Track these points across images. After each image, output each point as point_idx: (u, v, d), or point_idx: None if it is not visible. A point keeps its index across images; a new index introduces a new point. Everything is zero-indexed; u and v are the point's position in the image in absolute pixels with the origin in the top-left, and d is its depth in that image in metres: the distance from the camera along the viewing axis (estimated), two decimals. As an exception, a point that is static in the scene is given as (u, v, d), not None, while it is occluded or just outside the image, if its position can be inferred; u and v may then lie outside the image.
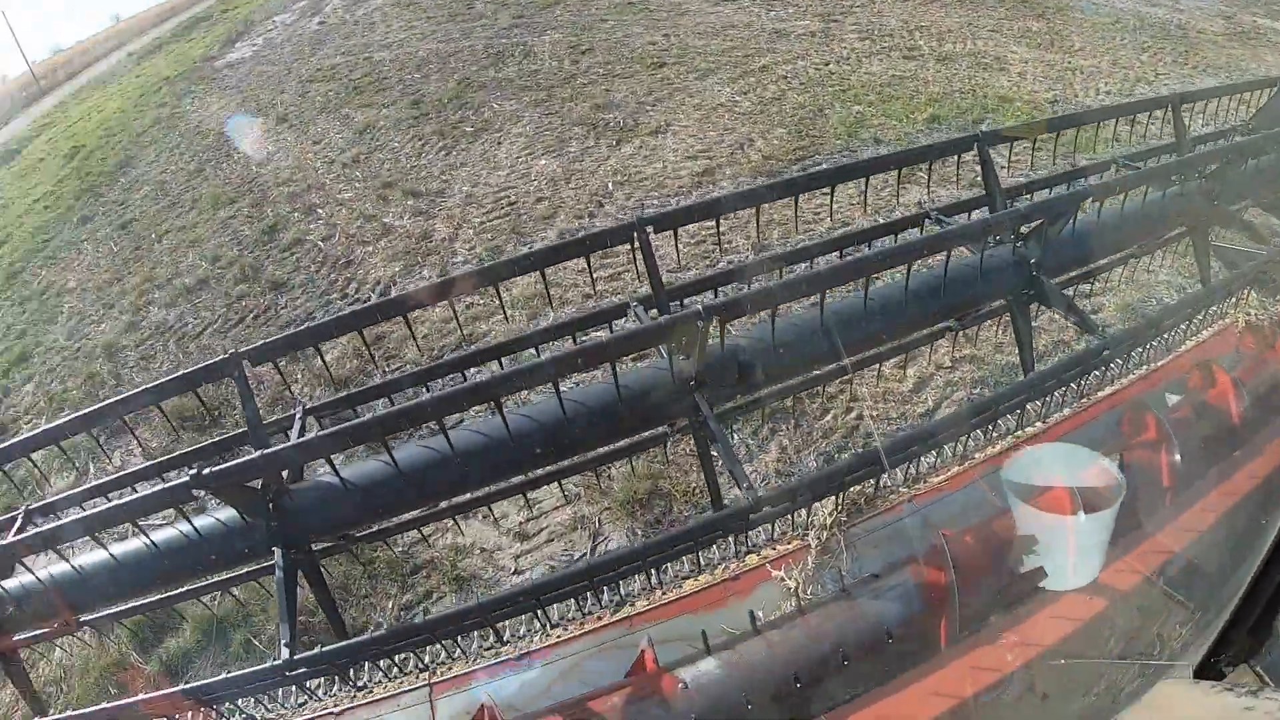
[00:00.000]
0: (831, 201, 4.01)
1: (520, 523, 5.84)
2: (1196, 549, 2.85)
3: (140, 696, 2.53)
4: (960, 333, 4.08)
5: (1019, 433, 3.55)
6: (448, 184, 10.98)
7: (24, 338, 10.07)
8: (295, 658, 2.50)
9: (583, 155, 11.10)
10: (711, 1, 16.98)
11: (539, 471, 3.35)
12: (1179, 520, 2.90)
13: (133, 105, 18.34)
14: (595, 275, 4.12)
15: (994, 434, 3.58)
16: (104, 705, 2.60)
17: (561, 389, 2.71)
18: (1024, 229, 3.47)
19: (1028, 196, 4.33)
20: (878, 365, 4.41)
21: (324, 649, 2.50)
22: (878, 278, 3.28)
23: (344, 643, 2.54)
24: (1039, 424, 3.59)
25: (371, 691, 3.03)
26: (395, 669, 3.03)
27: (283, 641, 2.58)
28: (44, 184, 15.26)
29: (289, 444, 2.51)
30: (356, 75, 15.80)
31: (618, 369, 2.72)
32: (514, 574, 5.56)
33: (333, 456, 2.64)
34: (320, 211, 10.96)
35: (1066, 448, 2.77)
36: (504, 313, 6.54)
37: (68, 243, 12.33)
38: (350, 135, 13.12)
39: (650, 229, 3.28)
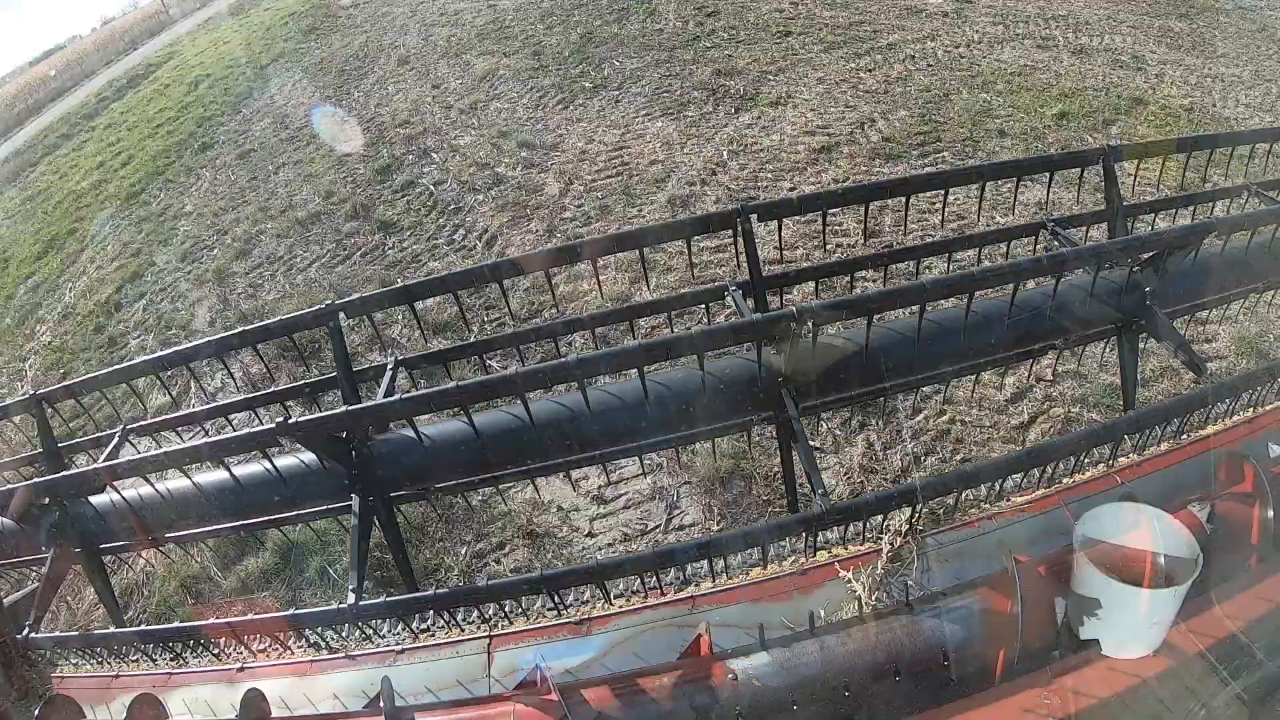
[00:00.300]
0: (945, 203, 3.84)
1: (599, 486, 5.84)
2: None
3: (215, 620, 2.62)
4: (1068, 351, 3.93)
5: (1111, 462, 3.37)
6: (562, 138, 10.98)
7: (139, 256, 10.51)
8: (360, 604, 2.55)
9: (700, 121, 10.95)
10: (849, -33, 16.55)
11: (621, 446, 3.34)
12: (1259, 589, 2.72)
13: (258, 39, 18.83)
14: (702, 245, 4.04)
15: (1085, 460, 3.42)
16: (184, 624, 2.70)
17: (648, 370, 2.67)
18: (1142, 255, 3.29)
19: (1151, 216, 4.11)
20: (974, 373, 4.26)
21: (388, 599, 2.55)
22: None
23: (407, 596, 2.58)
24: (1133, 456, 3.40)
25: (433, 635, 3.06)
26: (456, 620, 3.06)
27: (350, 587, 2.64)
28: (168, 110, 15.83)
29: (372, 403, 2.55)
30: (480, 22, 15.88)
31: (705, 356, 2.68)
32: (587, 535, 5.58)
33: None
34: (434, 156, 11.09)
35: (1150, 511, 2.60)
36: (599, 288, 6.48)
37: (187, 168, 12.78)
38: (469, 82, 13.23)
39: (754, 217, 3.19)
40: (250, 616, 2.72)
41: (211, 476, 3.03)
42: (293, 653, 3.05)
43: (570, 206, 9.37)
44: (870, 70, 12.00)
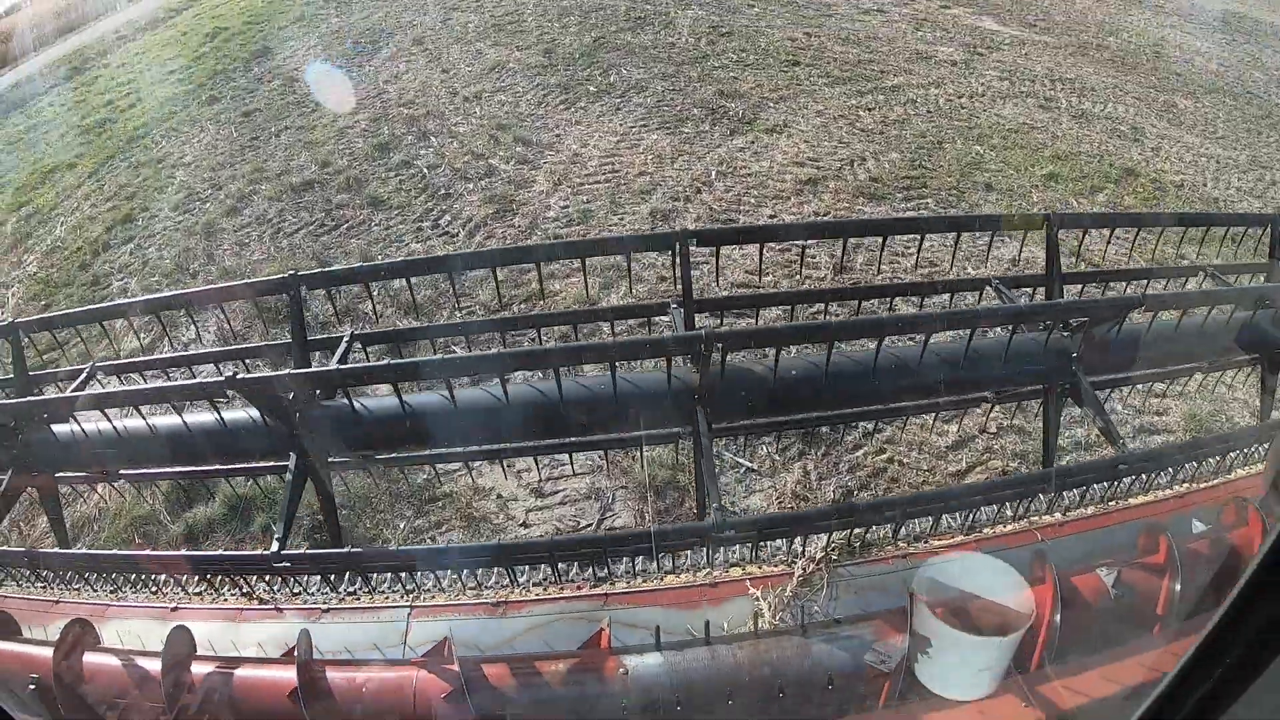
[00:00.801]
0: (882, 252, 4.10)
1: (538, 480, 6.08)
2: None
3: (149, 552, 2.85)
4: (1015, 404, 4.12)
5: (1033, 519, 3.56)
6: (559, 138, 11.21)
7: (132, 200, 10.69)
8: (282, 552, 2.80)
9: (695, 138, 11.20)
10: (860, 9, 16.84)
11: (548, 441, 3.58)
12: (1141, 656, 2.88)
13: (280, -1, 18.93)
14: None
15: (1006, 513, 3.62)
16: (119, 551, 2.93)
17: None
18: (1073, 321, 3.51)
19: (1102, 286, 4.35)
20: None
21: (309, 550, 2.79)
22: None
23: (328, 550, 2.82)
24: (1057, 515, 3.59)
25: (359, 599, 3.28)
26: (382, 587, 3.29)
27: (276, 535, 2.89)
28: (182, 57, 15.93)
29: (313, 370, 2.78)
30: (498, 13, 16.08)
31: (644, 365, 2.90)
32: (521, 525, 5.83)
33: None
34: (433, 140, 11.29)
35: (998, 564, 2.80)
36: (541, 291, 6.65)
37: (191, 119, 12.93)
38: (478, 70, 13.43)
39: (693, 241, 3.44)
40: (183, 553, 2.96)
41: (165, 421, 3.26)
42: (225, 599, 3.28)
43: (555, 207, 9.60)
44: (870, 109, 12.27)
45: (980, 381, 3.57)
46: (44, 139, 13.76)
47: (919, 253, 4.15)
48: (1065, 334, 3.50)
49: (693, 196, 9.73)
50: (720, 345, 2.82)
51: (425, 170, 10.53)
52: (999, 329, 3.49)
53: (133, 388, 2.92)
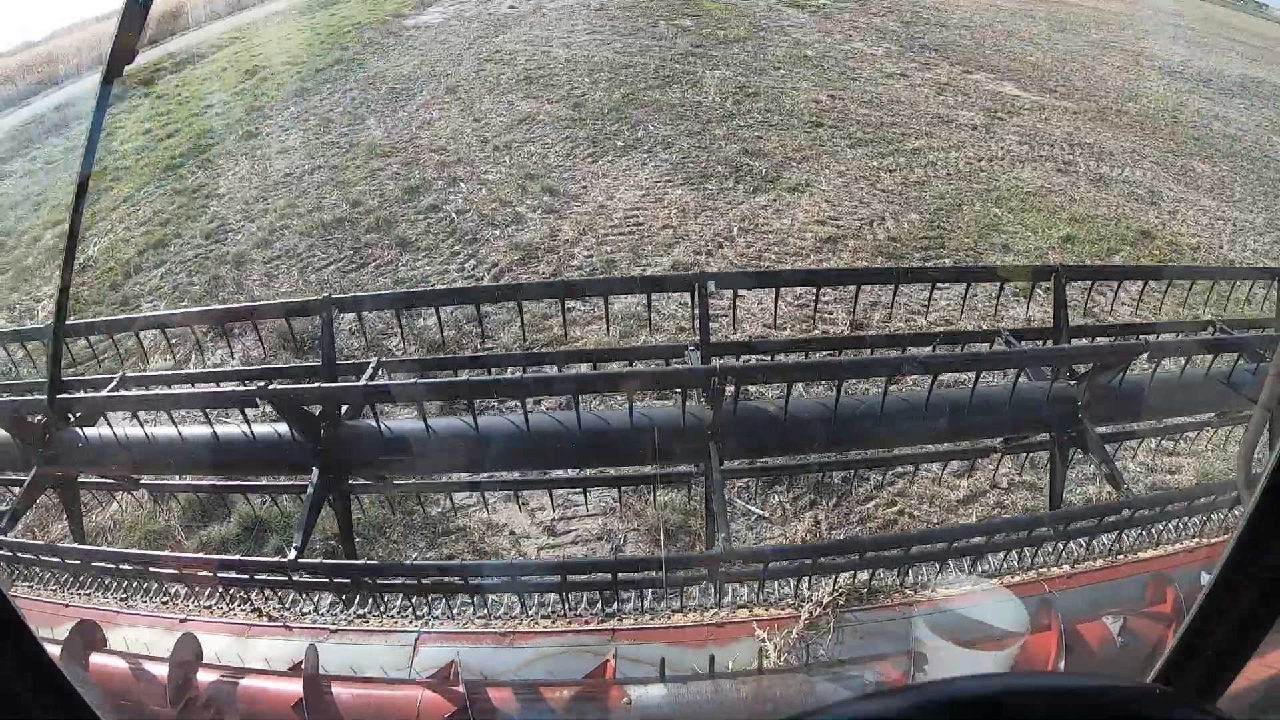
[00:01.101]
0: (895, 296, 4.18)
1: (553, 519, 6.13)
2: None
3: (168, 553, 2.92)
4: (1025, 457, 4.14)
5: (1041, 570, 3.57)
6: (585, 190, 11.41)
7: (166, 226, 10.91)
8: (299, 560, 2.87)
9: (719, 194, 11.37)
10: (884, 73, 17.11)
11: (567, 473, 3.66)
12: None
13: (319, 41, 19.36)
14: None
15: (1014, 561, 3.63)
16: (142, 551, 3.00)
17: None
18: (1079, 369, 3.58)
19: (1111, 339, 4.40)
20: (914, 466, 4.52)
21: (325, 561, 2.86)
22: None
23: (345, 562, 2.89)
24: (1066, 567, 3.61)
25: (367, 621, 3.33)
26: (391, 611, 3.34)
27: (294, 545, 2.96)
28: (220, 93, 16.31)
29: (343, 385, 2.88)
30: (530, 66, 16.44)
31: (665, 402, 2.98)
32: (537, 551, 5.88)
33: (390, 409, 3.01)
34: (463, 185, 11.51)
35: (1000, 589, 2.83)
36: (564, 327, 6.72)
37: (228, 152, 13.22)
38: (509, 121, 13.71)
39: (711, 284, 3.54)
40: (198, 555, 3.02)
41: (192, 429, 3.36)
42: (235, 614, 3.35)
43: (579, 256, 9.74)
44: (891, 171, 12.44)
45: (988, 427, 3.62)
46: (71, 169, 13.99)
47: (928, 309, 4.24)
48: (1071, 382, 3.57)
49: (715, 251, 9.84)
50: (733, 379, 2.91)
51: (454, 215, 10.72)
52: (1006, 378, 3.54)
53: (166, 392, 3.01)
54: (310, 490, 3.16)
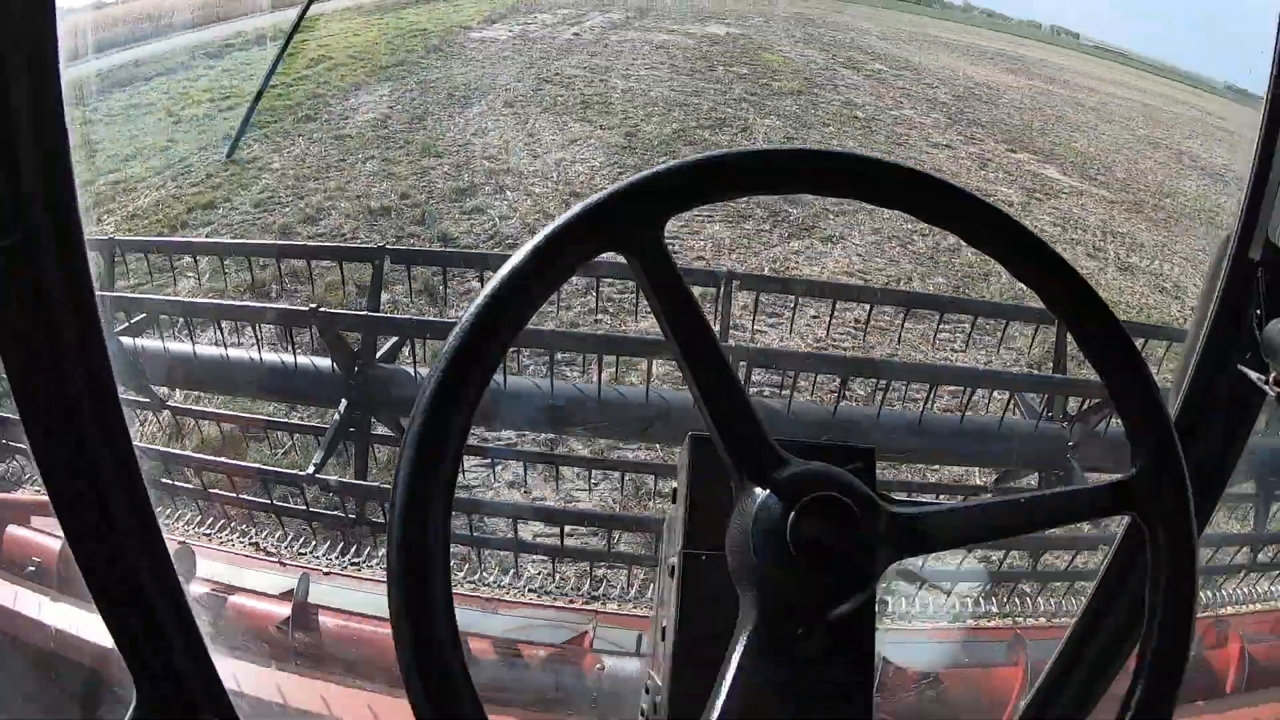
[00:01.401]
0: (905, 318, 4.36)
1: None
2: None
3: (186, 451, 3.12)
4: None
5: (1017, 619, 3.67)
6: (625, 215, 11.63)
7: (218, 190, 11.24)
8: (318, 474, 3.08)
9: (754, 235, 11.59)
10: (930, 143, 17.33)
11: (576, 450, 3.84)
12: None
13: (385, 41, 19.69)
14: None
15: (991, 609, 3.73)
16: (173, 449, 3.21)
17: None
18: (1072, 413, 3.74)
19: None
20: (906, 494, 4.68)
21: (343, 479, 3.06)
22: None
23: (360, 481, 3.09)
24: (1042, 619, 3.71)
25: (360, 571, 3.51)
26: (384, 561, 3.52)
27: (314, 461, 3.17)
28: (284, 76, 16.64)
29: (383, 315, 3.11)
30: (588, 92, 16.78)
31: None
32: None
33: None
34: (509, 194, 11.80)
35: None
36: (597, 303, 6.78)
37: (285, 131, 13.56)
38: (561, 140, 14.01)
39: (736, 282, 3.75)
40: (223, 459, 3.22)
41: (237, 352, 3.58)
42: (234, 545, 3.53)
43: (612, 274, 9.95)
44: (924, 235, 12.55)
45: (978, 455, 3.78)
46: (141, 118, 14.27)
47: (935, 336, 4.40)
48: (1063, 424, 3.74)
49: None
50: (746, 363, 3.11)
51: (497, 219, 11.00)
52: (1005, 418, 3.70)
53: (223, 302, 3.23)
54: (336, 418, 3.37)
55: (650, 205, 1.03)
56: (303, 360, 3.49)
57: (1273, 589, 3.84)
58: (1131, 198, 16.57)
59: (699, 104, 16.93)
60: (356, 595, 3.28)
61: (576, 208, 0.99)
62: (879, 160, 1.12)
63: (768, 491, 0.89)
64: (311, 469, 3.12)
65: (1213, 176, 19.49)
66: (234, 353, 3.54)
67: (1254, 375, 1.45)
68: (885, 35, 22.91)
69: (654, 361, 3.45)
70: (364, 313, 3.13)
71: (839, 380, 3.48)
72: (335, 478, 3.08)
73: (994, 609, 3.78)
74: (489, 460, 4.74)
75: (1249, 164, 1.54)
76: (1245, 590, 3.68)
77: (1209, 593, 3.53)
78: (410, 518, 0.81)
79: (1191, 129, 21.80)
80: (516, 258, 0.95)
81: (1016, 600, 3.76)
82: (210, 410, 4.12)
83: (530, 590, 3.46)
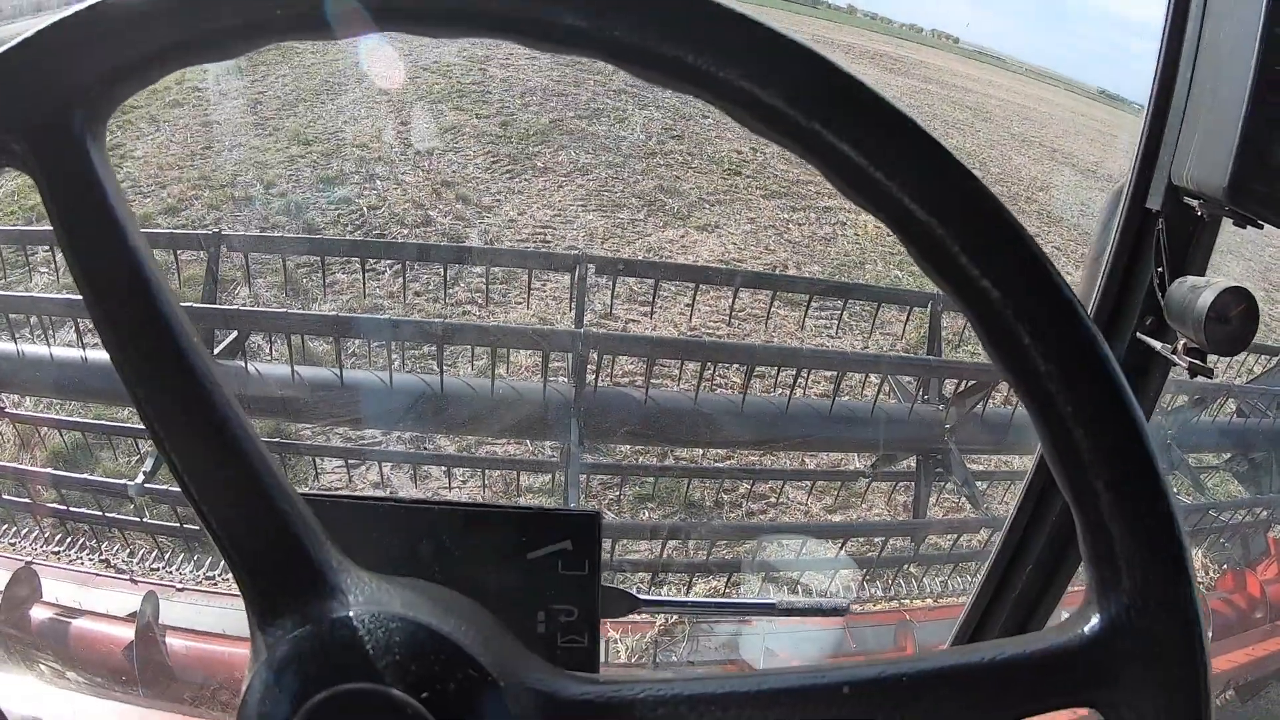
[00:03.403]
0: (771, 304, 4.43)
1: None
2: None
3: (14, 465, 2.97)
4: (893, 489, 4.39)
5: (903, 601, 3.74)
6: (498, 203, 11.59)
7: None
8: (148, 484, 2.97)
9: (629, 224, 11.66)
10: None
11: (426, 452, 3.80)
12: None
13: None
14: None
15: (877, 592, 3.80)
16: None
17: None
18: (948, 395, 3.85)
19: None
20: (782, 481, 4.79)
21: (167, 488, 2.95)
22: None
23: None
24: (929, 600, 3.77)
25: (215, 584, 3.39)
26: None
27: (144, 469, 3.05)
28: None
29: (214, 307, 3.02)
30: (466, 80, 16.56)
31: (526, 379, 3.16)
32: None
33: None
34: (379, 184, 11.58)
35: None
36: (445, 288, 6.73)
37: (150, 117, 13.02)
38: (435, 129, 13.81)
39: (591, 266, 3.77)
40: (46, 470, 3.07)
41: (65, 352, 3.41)
42: (82, 563, 3.38)
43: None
44: (800, 225, 12.87)
45: (853, 441, 3.86)
46: None
47: (805, 320, 4.50)
48: (939, 407, 3.85)
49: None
50: (597, 348, 3.11)
51: (365, 209, 10.78)
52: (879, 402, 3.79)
53: (38, 295, 3.08)
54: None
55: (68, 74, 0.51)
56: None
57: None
58: (1005, 191, 17.21)
59: (578, 94, 16.88)
60: (213, 614, 3.18)
61: None
62: None
63: (266, 662, 0.51)
64: (141, 478, 2.99)
65: (1084, 173, 20.44)
66: (59, 352, 3.38)
67: (1156, 344, 1.23)
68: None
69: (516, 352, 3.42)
70: (196, 304, 3.00)
71: (699, 367, 3.47)
72: (166, 486, 2.95)
73: (879, 592, 3.85)
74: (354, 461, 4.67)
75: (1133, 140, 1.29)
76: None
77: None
78: None
79: (1064, 128, 22.85)
80: None
81: (901, 583, 3.83)
82: (52, 418, 3.93)
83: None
